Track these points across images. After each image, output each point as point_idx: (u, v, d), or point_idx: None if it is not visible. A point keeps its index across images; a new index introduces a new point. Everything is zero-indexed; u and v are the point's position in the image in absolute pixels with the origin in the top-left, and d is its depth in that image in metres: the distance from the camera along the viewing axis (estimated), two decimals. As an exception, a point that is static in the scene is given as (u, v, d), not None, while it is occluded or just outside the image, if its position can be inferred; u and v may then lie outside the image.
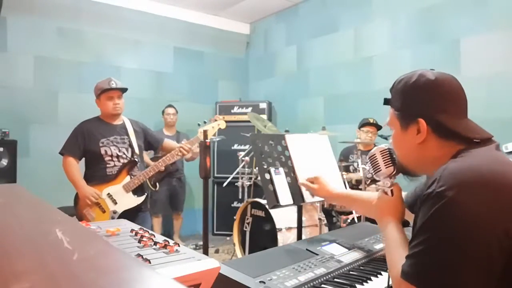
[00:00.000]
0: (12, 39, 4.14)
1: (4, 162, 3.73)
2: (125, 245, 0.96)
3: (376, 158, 1.16)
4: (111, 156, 2.65)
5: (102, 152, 2.63)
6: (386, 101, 1.08)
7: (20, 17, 4.18)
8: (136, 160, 2.72)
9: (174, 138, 4.55)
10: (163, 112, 4.76)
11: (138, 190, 2.69)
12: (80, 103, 4.37)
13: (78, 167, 2.67)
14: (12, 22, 4.14)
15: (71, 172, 2.61)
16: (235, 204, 4.87)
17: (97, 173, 2.64)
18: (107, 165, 2.64)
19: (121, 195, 2.63)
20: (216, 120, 2.73)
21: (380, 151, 1.16)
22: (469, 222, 0.77)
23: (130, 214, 2.58)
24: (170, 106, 4.78)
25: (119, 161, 2.67)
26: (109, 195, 2.61)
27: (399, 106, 1.02)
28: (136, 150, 2.74)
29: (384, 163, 1.15)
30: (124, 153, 2.69)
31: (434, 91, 0.96)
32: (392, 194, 1.14)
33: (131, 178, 2.66)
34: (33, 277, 0.34)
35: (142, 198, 2.71)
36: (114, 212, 2.60)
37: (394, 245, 1.00)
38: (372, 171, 1.18)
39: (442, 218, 0.80)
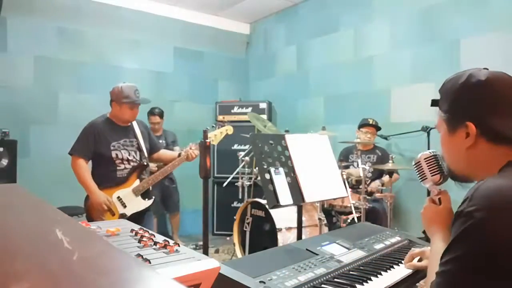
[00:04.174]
0: (12, 39, 4.14)
1: (4, 162, 3.73)
2: (125, 245, 0.96)
3: (421, 166, 1.11)
4: (122, 159, 2.65)
5: (113, 155, 2.62)
6: (434, 103, 1.01)
7: (20, 17, 4.18)
8: (146, 163, 2.73)
9: (162, 138, 4.47)
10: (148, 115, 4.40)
11: (145, 193, 2.69)
12: (80, 103, 4.39)
13: (88, 169, 2.64)
14: (12, 22, 4.14)
15: (82, 174, 2.58)
16: (235, 204, 4.86)
17: (107, 176, 2.62)
18: (118, 168, 2.64)
19: (130, 199, 2.63)
20: (223, 126, 2.74)
21: (425, 158, 1.10)
22: (494, 247, 0.75)
23: (137, 216, 2.61)
24: (153, 114, 4.40)
25: (129, 164, 2.67)
26: (119, 198, 2.62)
27: (446, 108, 0.97)
28: (145, 153, 2.76)
29: (430, 170, 1.09)
30: (134, 157, 2.69)
31: (484, 93, 0.91)
32: (440, 203, 1.09)
33: (140, 181, 2.67)
34: (33, 277, 0.34)
35: (151, 201, 2.72)
36: (123, 215, 2.59)
37: (434, 258, 0.96)
38: (418, 178, 1.13)
39: (468, 240, 0.77)
